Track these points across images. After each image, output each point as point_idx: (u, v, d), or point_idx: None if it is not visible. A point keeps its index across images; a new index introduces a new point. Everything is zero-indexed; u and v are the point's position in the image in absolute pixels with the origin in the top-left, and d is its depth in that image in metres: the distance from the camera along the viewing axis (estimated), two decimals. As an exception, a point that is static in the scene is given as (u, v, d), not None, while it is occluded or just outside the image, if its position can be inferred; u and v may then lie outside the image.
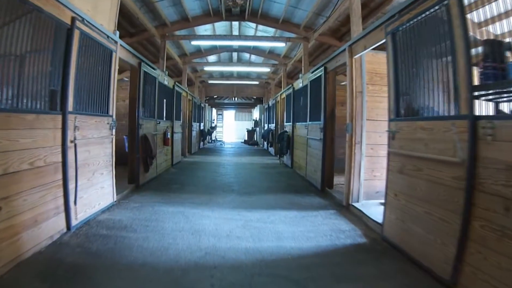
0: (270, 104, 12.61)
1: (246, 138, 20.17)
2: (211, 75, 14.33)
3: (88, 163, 3.36)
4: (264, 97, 16.66)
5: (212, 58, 11.31)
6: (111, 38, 3.82)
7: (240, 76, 14.96)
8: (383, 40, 3.27)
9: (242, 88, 16.57)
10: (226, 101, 20.62)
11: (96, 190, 3.57)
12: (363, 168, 4.24)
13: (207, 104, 17.97)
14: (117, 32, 4.10)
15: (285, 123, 8.53)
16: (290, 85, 7.78)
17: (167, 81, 7.13)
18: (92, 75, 3.46)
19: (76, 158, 3.05)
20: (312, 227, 3.37)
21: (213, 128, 19.06)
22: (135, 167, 5.08)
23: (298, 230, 3.24)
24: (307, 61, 7.56)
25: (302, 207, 4.18)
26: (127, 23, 7.03)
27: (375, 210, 3.87)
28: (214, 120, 23.07)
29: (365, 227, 3.42)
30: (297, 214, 3.80)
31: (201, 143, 14.26)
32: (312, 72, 5.71)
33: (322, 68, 5.08)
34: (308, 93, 5.98)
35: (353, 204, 4.17)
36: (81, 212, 3.23)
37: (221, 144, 17.93)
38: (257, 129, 18.52)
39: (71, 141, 2.99)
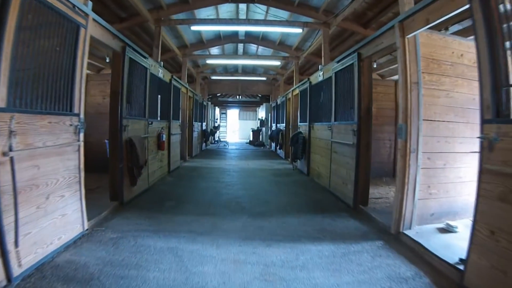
0: (279, 102, 11.57)
1: (251, 139, 19.18)
2: (214, 70, 13.31)
3: (38, 184, 2.35)
4: (271, 94, 15.62)
5: (215, 51, 10.27)
6: (78, 8, 2.80)
7: (246, 71, 13.93)
8: (466, 6, 2.24)
9: (247, 85, 15.54)
10: (230, 99, 19.59)
11: (54, 220, 2.56)
12: (418, 184, 3.20)
13: (210, 103, 16.98)
14: (90, 3, 3.08)
15: (299, 123, 7.49)
16: (306, 80, 6.74)
17: (163, 73, 6.11)
18: (46, 57, 2.45)
19: (14, 179, 2.06)
20: (361, 273, 2.36)
21: (216, 128, 18.05)
22: (118, 180, 4.07)
23: (344, 281, 2.22)
24: (328, 51, 6.51)
25: (337, 236, 3.15)
26: (116, 6, 6.02)
27: (437, 242, 2.91)
28: (217, 119, 22.09)
29: (432, 271, 2.45)
30: (335, 250, 2.78)
31: (204, 144, 13.27)
32: (339, 62, 4.66)
33: (355, 55, 4.03)
34: (333, 87, 4.93)
35: (405, 232, 3.16)
36: (30, 255, 2.25)
37: (224, 145, 16.93)
38: (263, 129, 17.51)
39: (3, 154, 1.99)
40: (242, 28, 7.56)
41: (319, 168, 5.83)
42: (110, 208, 3.88)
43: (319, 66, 5.85)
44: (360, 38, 7.04)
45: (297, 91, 7.90)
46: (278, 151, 10.95)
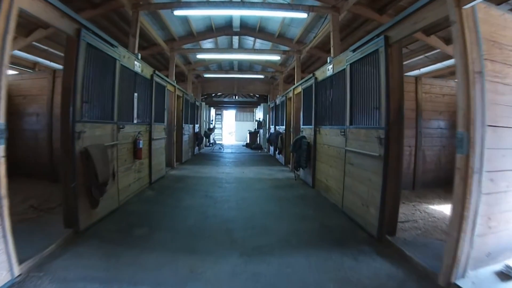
0: (278, 102, 10.65)
1: (248, 141, 18.25)
2: (207, 67, 12.36)
3: None
4: (269, 94, 14.71)
5: (207, 45, 9.33)
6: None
7: (242, 69, 13.00)
8: None
9: (243, 84, 14.61)
10: (226, 99, 18.65)
11: None
12: (479, 217, 2.30)
13: (204, 103, 16.04)
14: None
15: (302, 126, 6.57)
16: (311, 76, 5.83)
17: (141, 67, 5.18)
18: None
19: None
20: None
21: (211, 130, 17.10)
22: (71, 202, 3.14)
23: None
24: (338, 39, 5.59)
25: (365, 290, 2.24)
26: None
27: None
28: (212, 121, 21.13)
29: None
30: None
31: (196, 148, 12.33)
32: (356, 50, 3.75)
33: (380, 39, 3.11)
34: (347, 83, 4.02)
35: (459, 283, 2.27)
36: None
37: (220, 148, 16.00)
38: (261, 131, 16.60)
39: None
40: (235, 12, 6.60)
41: (327, 181, 4.91)
42: (60, 239, 2.98)
43: (328, 58, 4.93)
44: (373, 27, 6.15)
45: (299, 89, 6.99)
46: (277, 155, 10.04)
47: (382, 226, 3.13)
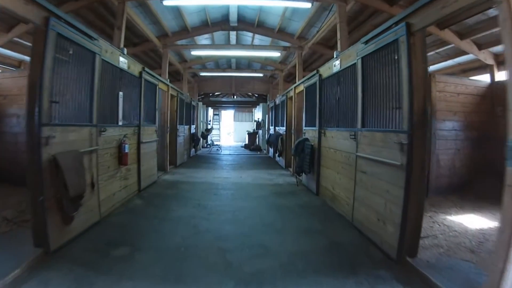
0: (278, 101, 10.21)
1: (247, 142, 17.80)
2: (203, 66, 11.89)
3: None
4: (268, 94, 14.27)
5: (203, 41, 8.86)
6: None
7: (240, 67, 12.54)
8: None
9: (242, 83, 14.16)
10: (224, 99, 18.20)
11: None
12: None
13: (201, 103, 15.58)
14: None
15: (304, 128, 6.12)
16: (314, 73, 5.39)
17: (128, 64, 4.73)
18: None
19: None
20: None
21: (209, 130, 16.63)
22: (40, 218, 2.69)
23: None
24: (345, 32, 5.15)
25: None
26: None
27: None
28: (210, 121, 20.67)
29: None
30: None
31: (192, 150, 11.87)
32: (368, 42, 3.31)
33: (401, 27, 2.67)
34: (359, 79, 3.58)
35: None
36: None
37: (217, 149, 15.54)
38: (260, 131, 16.15)
39: None
40: (232, 2, 6.08)
41: (334, 189, 4.47)
42: (28, 261, 2.55)
43: (334, 53, 4.49)
44: (381, 20, 5.71)
45: (301, 87, 6.54)
46: (277, 158, 9.59)
47: (402, 246, 2.69)
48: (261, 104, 16.64)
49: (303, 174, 5.76)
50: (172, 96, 8.48)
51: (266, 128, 14.22)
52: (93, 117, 3.50)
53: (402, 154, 2.61)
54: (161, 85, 6.88)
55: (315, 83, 5.39)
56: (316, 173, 5.17)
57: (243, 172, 7.73)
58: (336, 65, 4.45)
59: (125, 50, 4.59)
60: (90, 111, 3.47)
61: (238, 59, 12.08)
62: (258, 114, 18.40)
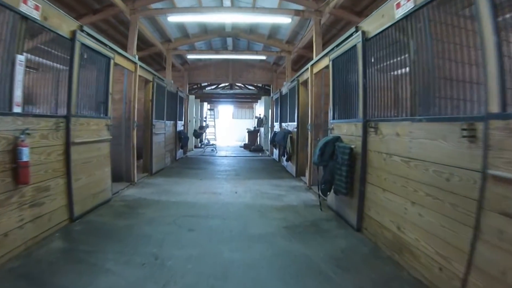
0: (285, 90, 8.22)
1: (246, 142, 15.86)
2: (192, 47, 9.78)
3: None
4: (272, 84, 12.26)
5: (184, 2, 6.60)
6: None
7: (238, 48, 10.46)
8: None
9: (241, 71, 12.13)
10: (220, 91, 16.20)
11: None
12: None
13: (193, 97, 13.60)
14: None
15: (331, 121, 4.11)
16: (352, 31, 3.40)
17: (42, 13, 2.74)
18: None
19: None
20: None
21: (202, 128, 14.66)
22: None
23: None
24: None
25: None
26: None
27: None
28: (206, 118, 18.66)
29: None
30: None
31: (180, 151, 9.89)
32: None
33: None
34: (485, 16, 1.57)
35: None
36: None
37: (212, 150, 13.58)
38: (262, 129, 14.19)
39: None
40: None
41: (402, 230, 2.48)
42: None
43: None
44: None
45: (324, 62, 4.55)
46: (284, 162, 7.60)
47: None
48: (263, 98, 14.67)
49: (328, 191, 3.76)
50: (147, 81, 6.50)
51: (269, 126, 12.23)
52: None
53: None
54: (122, 61, 4.90)
55: (353, 48, 3.40)
56: (359, 195, 3.17)
57: (240, 184, 5.72)
58: (404, 4, 2.45)
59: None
60: None
61: (236, 41, 10.06)
62: (259, 109, 16.43)
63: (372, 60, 3.09)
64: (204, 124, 16.83)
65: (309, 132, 5.28)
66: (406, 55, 2.57)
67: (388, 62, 2.85)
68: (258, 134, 15.44)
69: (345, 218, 3.54)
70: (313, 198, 4.67)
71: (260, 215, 3.75)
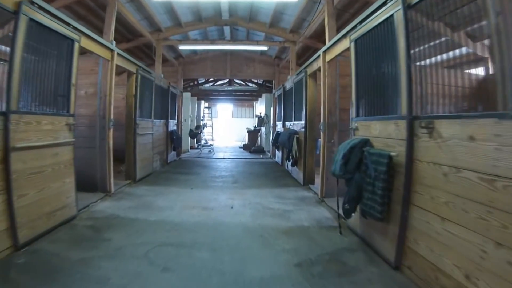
0: (289, 85, 7.37)
1: (246, 142, 15.02)
2: (186, 37, 8.87)
3: None
4: (274, 80, 11.37)
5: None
6: None
7: (237, 38, 9.57)
8: None
9: (240, 65, 11.24)
10: (218, 87, 15.33)
11: None
12: None
13: (188, 94, 12.76)
14: None
15: (354, 119, 3.25)
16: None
17: None
18: None
19: None
20: None
21: (199, 128, 13.83)
22: None
23: None
24: None
25: None
26: None
27: None
28: (203, 116, 17.81)
29: None
30: None
31: (172, 153, 9.05)
32: None
33: None
34: None
35: None
36: None
37: (209, 151, 12.76)
38: (263, 129, 13.34)
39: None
40: None
41: (472, 278, 1.66)
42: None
43: None
44: None
45: (343, 45, 3.69)
46: (289, 167, 6.75)
47: None
48: (263, 95, 13.83)
49: (351, 211, 2.90)
50: (129, 73, 5.66)
51: (271, 125, 11.38)
52: None
53: None
54: (93, 47, 4.05)
55: (387, 21, 2.55)
56: (400, 222, 2.31)
57: (238, 194, 4.88)
58: None
59: None
60: None
61: (234, 31, 9.18)
62: (260, 107, 15.59)
63: (419, 34, 2.24)
64: (201, 123, 16.00)
65: (321, 133, 4.42)
66: (484, 21, 1.72)
67: (446, 34, 2.01)
68: (259, 134, 14.60)
69: (375, 248, 2.69)
70: (328, 215, 3.82)
71: (263, 244, 2.89)
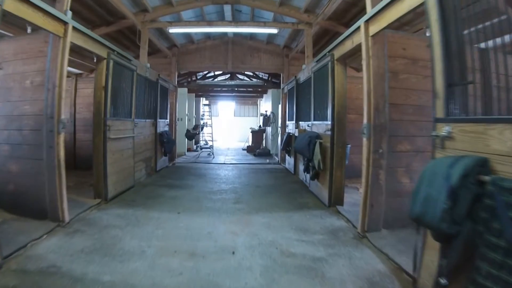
0: (305, 77, 6.08)
1: (250, 143, 13.80)
2: (178, 18, 7.47)
3: None
4: (282, 73, 10.03)
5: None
6: None
7: (239, 19, 8.17)
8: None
9: (243, 55, 9.91)
10: (220, 82, 14.03)
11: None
12: None
13: (185, 90, 11.50)
14: None
15: (442, 120, 1.94)
16: None
17: None
18: None
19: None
20: None
21: (197, 128, 12.56)
22: None
23: None
24: None
25: None
26: None
27: None
28: (203, 115, 16.49)
29: None
30: None
31: (164, 158, 7.79)
32: None
33: None
34: None
35: None
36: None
37: (209, 154, 11.54)
38: (268, 129, 12.06)
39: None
40: None
41: None
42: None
43: None
44: None
45: (407, 3, 2.38)
46: (307, 180, 5.44)
47: None
48: (269, 91, 12.55)
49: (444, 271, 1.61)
50: (98, 58, 4.40)
51: (279, 125, 10.06)
52: None
53: None
54: (28, 14, 2.77)
55: None
56: None
57: (242, 224, 3.58)
58: None
59: None
60: None
61: (236, 12, 7.88)
62: (265, 105, 14.29)
63: None
64: (201, 122, 14.70)
65: (364, 139, 3.10)
66: None
67: None
68: (264, 134, 13.33)
69: None
70: (382, 267, 2.52)
71: None
